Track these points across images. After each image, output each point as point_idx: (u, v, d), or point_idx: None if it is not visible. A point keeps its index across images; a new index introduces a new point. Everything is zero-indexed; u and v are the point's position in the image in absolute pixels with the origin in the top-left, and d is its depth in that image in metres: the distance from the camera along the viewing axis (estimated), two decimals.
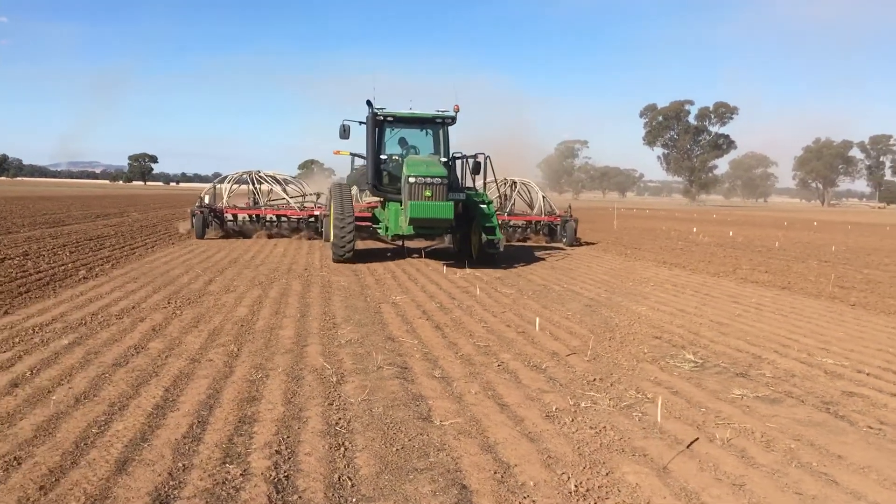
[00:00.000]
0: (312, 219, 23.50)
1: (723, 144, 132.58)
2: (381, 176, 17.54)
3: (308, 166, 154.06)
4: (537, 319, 10.04)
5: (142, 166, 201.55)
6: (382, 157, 17.67)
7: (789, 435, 5.79)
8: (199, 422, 5.67)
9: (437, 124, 17.97)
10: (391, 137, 18.17)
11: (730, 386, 7.17)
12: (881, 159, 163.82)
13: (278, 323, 9.55)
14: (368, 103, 17.06)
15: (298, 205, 24.62)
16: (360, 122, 17.45)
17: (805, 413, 6.38)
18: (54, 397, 6.16)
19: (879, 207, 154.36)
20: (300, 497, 4.44)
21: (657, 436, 5.69)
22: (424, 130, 18.59)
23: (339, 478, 4.73)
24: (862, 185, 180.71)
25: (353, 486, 4.62)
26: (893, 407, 6.63)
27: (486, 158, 17.63)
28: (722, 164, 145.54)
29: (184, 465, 4.82)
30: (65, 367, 7.06)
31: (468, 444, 5.38)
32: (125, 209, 40.33)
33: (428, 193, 15.47)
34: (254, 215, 23.70)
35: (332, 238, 16.81)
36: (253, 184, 24.87)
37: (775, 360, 8.34)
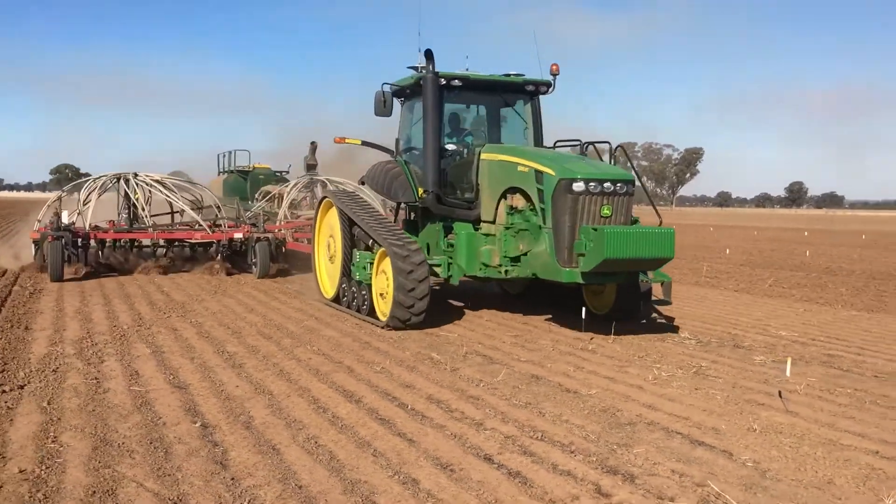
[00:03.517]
0: (233, 244, 16.26)
1: None
2: (441, 181, 11.05)
3: (62, 171, 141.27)
4: (584, 308, 10.81)
5: None
6: (449, 147, 11.44)
7: (837, 385, 7.56)
8: (395, 405, 6.50)
9: (526, 94, 11.90)
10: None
11: (746, 355, 8.94)
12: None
13: (310, 326, 10.19)
14: (428, 55, 10.77)
15: (197, 220, 17.01)
16: (404, 92, 11.90)
17: (822, 369, 8.25)
18: (237, 393, 6.70)
19: None
20: (569, 447, 5.53)
21: (752, 392, 7.24)
22: (480, 105, 12.31)
23: (576, 433, 5.86)
24: None
25: (597, 438, 5.76)
26: (871, 363, 8.68)
27: (614, 149, 11.49)
28: None
29: (482, 428, 5.73)
30: (195, 370, 7.54)
31: (632, 406, 6.65)
32: None
33: (606, 212, 9.42)
34: (133, 241, 16.37)
35: (391, 290, 9.86)
36: (129, 193, 16.87)
37: (744, 333, 10.28)
